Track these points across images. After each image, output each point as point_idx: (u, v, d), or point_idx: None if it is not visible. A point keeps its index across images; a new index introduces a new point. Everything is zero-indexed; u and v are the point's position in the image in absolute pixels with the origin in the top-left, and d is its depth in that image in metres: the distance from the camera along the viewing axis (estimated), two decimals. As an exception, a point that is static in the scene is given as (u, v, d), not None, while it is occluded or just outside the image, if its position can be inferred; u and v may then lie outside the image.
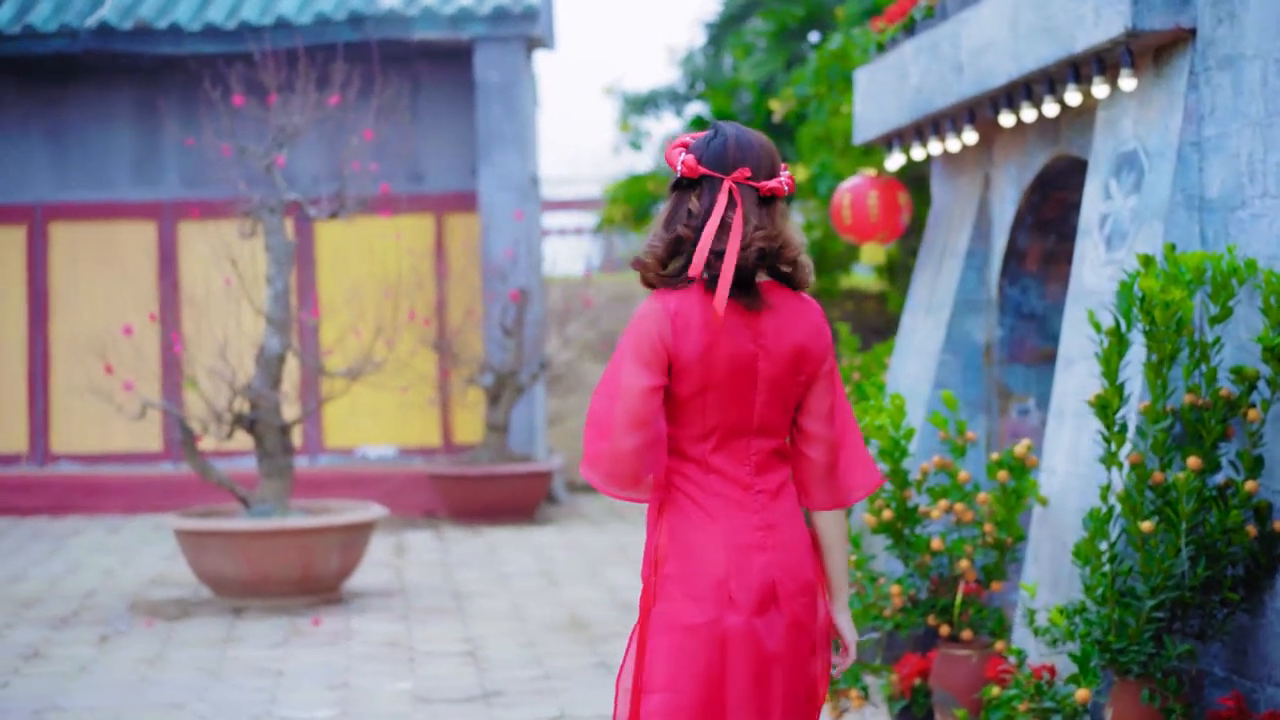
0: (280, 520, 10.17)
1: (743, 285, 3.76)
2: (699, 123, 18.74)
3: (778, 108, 15.93)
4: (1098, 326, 5.71)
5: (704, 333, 3.75)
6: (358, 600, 10.56)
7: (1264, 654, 5.75)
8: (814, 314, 3.88)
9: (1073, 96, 6.89)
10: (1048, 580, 6.64)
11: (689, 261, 3.77)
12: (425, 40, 15.43)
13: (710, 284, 3.80)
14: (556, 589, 10.97)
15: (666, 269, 3.81)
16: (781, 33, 17.96)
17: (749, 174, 3.77)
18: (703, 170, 3.78)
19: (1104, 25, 6.35)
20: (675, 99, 20.23)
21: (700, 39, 20.45)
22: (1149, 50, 6.48)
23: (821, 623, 3.94)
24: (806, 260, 3.88)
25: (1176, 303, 5.53)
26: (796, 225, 3.95)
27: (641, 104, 20.15)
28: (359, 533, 10.45)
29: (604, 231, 21.76)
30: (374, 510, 10.67)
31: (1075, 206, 8.42)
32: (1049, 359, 8.71)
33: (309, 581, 10.25)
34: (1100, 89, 6.68)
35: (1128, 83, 6.45)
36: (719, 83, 19.34)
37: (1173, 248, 5.76)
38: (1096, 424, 6.45)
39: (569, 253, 25.97)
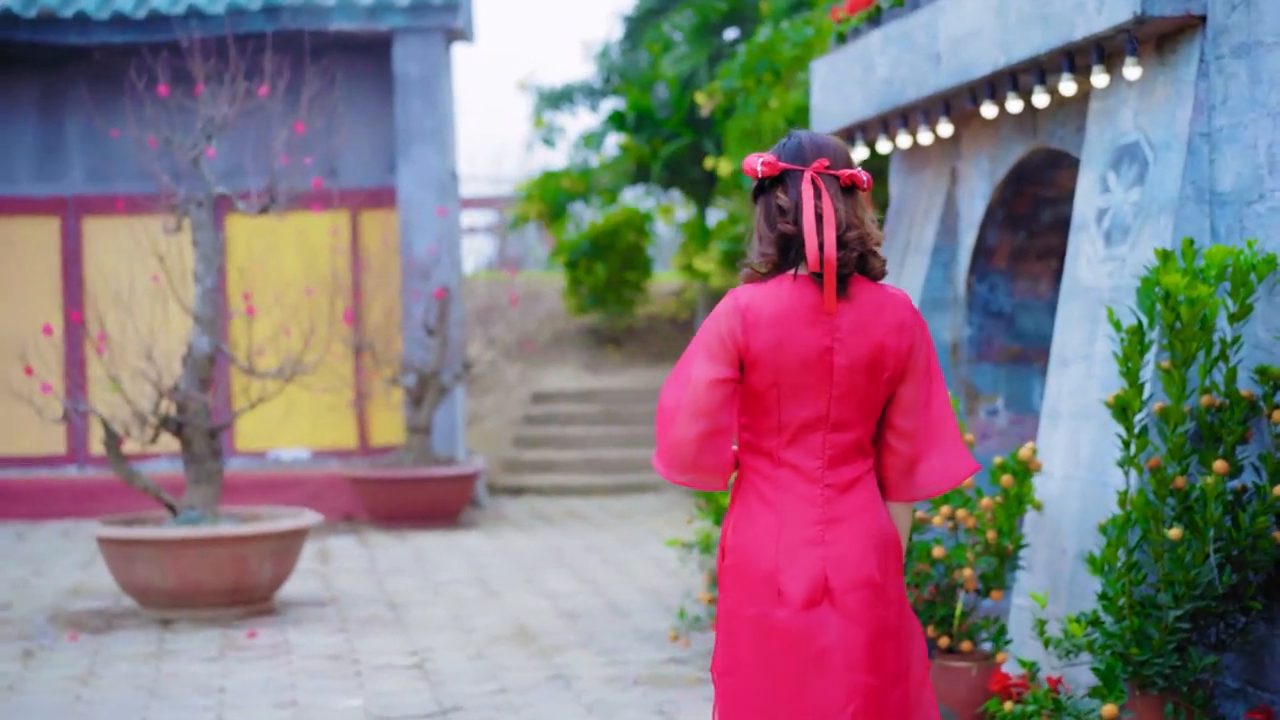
0: (212, 528, 9.72)
1: (837, 283, 3.81)
2: (616, 118, 18.44)
3: (704, 102, 15.66)
4: (1117, 325, 5.47)
5: (775, 327, 3.79)
6: (290, 611, 10.13)
7: (1284, 664, 5.54)
8: (898, 309, 3.86)
9: (1067, 86, 6.66)
10: (1044, 588, 6.40)
11: (797, 256, 3.82)
12: (342, 31, 14.99)
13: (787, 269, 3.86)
14: (496, 597, 10.60)
15: (781, 269, 3.86)
16: (703, 27, 17.69)
17: (828, 163, 3.84)
18: (784, 165, 3.85)
19: (1108, 12, 6.11)
20: (591, 94, 19.92)
21: (617, 33, 20.16)
22: (1152, 38, 6.25)
23: (893, 616, 3.87)
24: (882, 253, 3.93)
25: (1202, 300, 5.30)
26: (874, 216, 3.85)
27: (556, 99, 19.82)
28: (292, 540, 10.03)
29: (516, 229, 21.35)
30: (308, 517, 10.26)
31: (1047, 201, 8.21)
32: (1017, 358, 8.50)
33: (241, 592, 9.82)
34: (1100, 78, 6.44)
35: (1132, 71, 6.22)
36: (636, 77, 19.05)
37: (1190, 243, 5.54)
38: (1098, 425, 6.22)
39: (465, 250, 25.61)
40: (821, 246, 3.75)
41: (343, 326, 13.99)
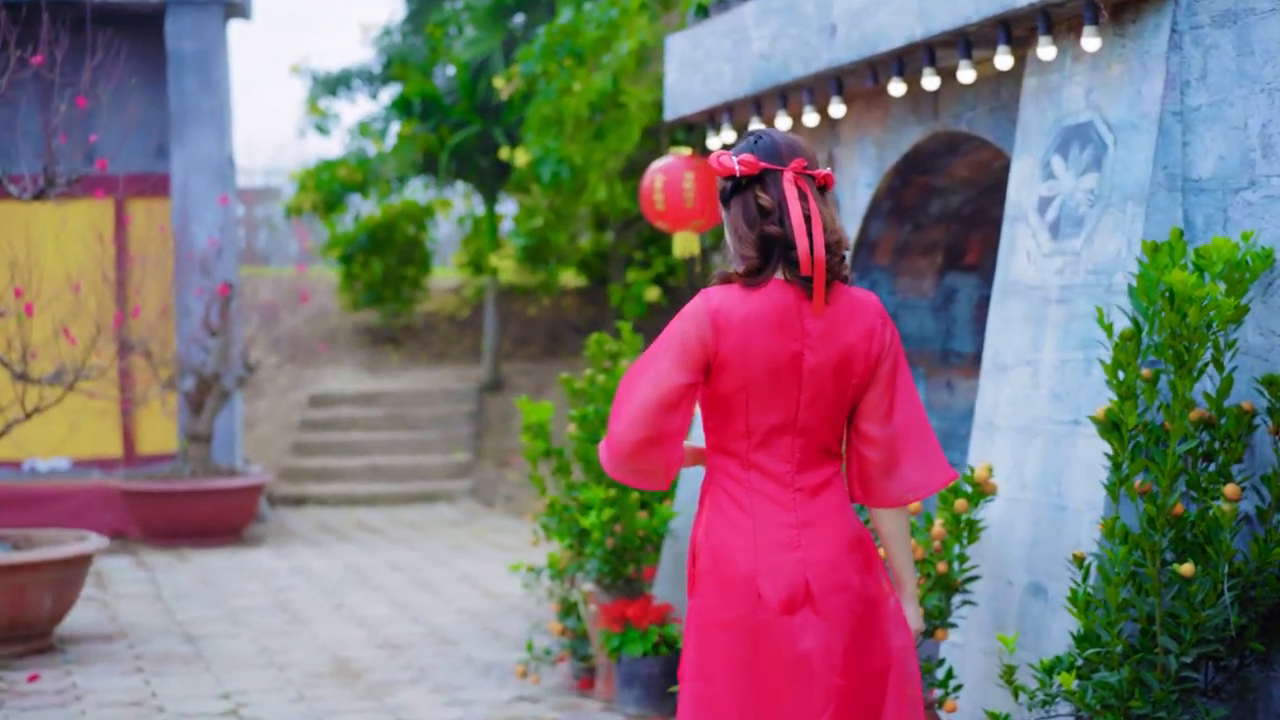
0: (-16, 557, 8.54)
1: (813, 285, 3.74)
2: (401, 104, 17.38)
3: (503, 86, 14.75)
4: (1109, 329, 4.76)
5: (745, 331, 3.73)
6: (73, 648, 8.97)
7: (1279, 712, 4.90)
8: (868, 314, 3.81)
9: (1003, 60, 5.95)
10: (987, 624, 5.69)
11: (779, 258, 3.74)
12: (108, 2, 13.70)
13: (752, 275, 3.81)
14: (304, 627, 9.57)
15: (763, 273, 3.76)
16: (496, 10, 16.76)
17: (805, 164, 3.77)
18: (764, 165, 3.76)
19: (1066, -26, 5.42)
20: (370, 80, 18.82)
21: (399, 15, 19.08)
22: (1107, 5, 5.57)
23: (873, 617, 3.81)
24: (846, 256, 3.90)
25: (1210, 300, 4.62)
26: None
27: (333, 84, 18.68)
28: (77, 568, 8.88)
29: (291, 219, 20.11)
30: (93, 540, 9.11)
31: (937, 191, 7.54)
32: (900, 362, 7.81)
33: (17, 628, 8.64)
34: (1046, 50, 5.74)
35: (1091, 43, 5.53)
36: (419, 63, 18.02)
37: (1180, 234, 4.85)
38: (1048, 440, 5.54)
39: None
40: (812, 249, 3.68)
41: (107, 324, 12.73)
